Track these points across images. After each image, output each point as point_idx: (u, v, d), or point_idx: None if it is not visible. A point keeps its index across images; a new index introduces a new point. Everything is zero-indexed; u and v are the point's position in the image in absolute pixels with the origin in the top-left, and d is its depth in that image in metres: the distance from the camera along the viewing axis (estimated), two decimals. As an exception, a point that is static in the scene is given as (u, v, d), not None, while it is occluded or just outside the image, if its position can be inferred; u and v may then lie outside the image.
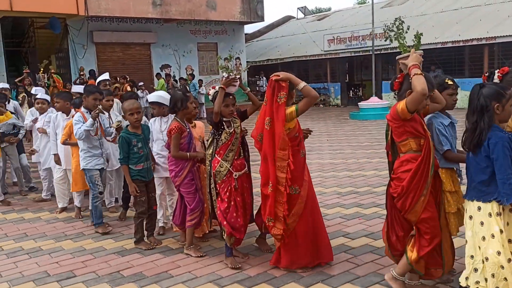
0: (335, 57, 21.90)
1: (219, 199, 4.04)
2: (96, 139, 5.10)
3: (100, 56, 18.14)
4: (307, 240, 3.79)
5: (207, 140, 4.23)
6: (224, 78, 3.97)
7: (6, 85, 8.52)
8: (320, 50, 22.36)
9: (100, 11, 16.48)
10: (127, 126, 4.52)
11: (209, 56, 21.42)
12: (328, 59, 22.35)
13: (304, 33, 25.61)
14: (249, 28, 29.26)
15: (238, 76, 4.08)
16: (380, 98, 17.97)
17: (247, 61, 23.54)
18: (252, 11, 20.60)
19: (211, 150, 4.10)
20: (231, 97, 4.03)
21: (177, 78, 19.22)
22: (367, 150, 9.52)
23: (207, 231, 4.73)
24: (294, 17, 32.37)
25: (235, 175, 4.03)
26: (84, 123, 4.96)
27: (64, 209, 5.95)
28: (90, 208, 5.24)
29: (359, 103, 16.66)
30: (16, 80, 14.96)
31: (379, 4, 27.12)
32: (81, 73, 15.43)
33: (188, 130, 4.33)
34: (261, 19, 21.24)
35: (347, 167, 8.00)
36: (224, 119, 4.00)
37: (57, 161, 5.83)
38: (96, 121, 4.99)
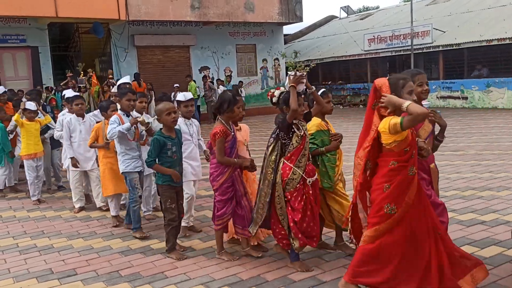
0: (375, 56, 21.44)
1: (289, 209, 3.78)
2: (134, 142, 5.06)
3: (141, 59, 18.65)
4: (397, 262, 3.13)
5: (269, 146, 3.91)
6: (292, 76, 3.74)
7: (4, 89, 8.57)
8: (360, 50, 21.97)
9: (141, 15, 16.95)
10: (161, 129, 4.37)
11: (248, 57, 21.54)
12: (368, 58, 21.91)
13: (346, 33, 25.25)
14: (291, 29, 29.21)
15: (305, 74, 3.91)
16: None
17: (285, 62, 23.48)
18: (290, 12, 20.52)
19: (274, 156, 3.84)
20: (302, 96, 3.84)
21: (215, 79, 19.48)
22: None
23: (262, 238, 4.51)
24: (337, 17, 31.97)
25: (309, 182, 3.80)
26: (120, 124, 4.89)
27: (82, 209, 6.19)
28: (127, 210, 5.24)
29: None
30: (61, 84, 15.70)
31: (424, 1, 26.31)
32: (110, 76, 15.89)
33: (232, 133, 4.13)
34: (300, 19, 21.11)
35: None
36: (294, 120, 3.76)
37: (74, 164, 6.04)
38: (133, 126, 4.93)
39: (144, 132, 5.08)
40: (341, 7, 32.09)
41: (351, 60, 22.65)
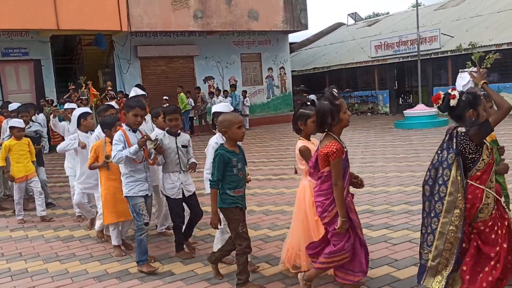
0: (382, 63, 21.05)
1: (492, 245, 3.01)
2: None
3: (144, 70, 18.54)
4: None
5: (450, 163, 3.05)
6: (475, 73, 3.25)
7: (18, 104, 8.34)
8: (367, 57, 21.62)
9: (143, 26, 16.84)
10: (222, 144, 3.79)
11: (253, 66, 21.31)
12: (375, 65, 21.54)
13: (353, 40, 24.94)
14: (298, 37, 29.01)
15: (486, 70, 3.51)
16: (431, 105, 16.96)
17: (292, 71, 23.21)
18: (295, 20, 20.29)
19: (459, 177, 3.00)
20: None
21: (220, 89, 19.27)
22: (400, 163, 8.89)
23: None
24: (344, 24, 31.67)
25: (503, 202, 3.12)
26: (125, 143, 4.31)
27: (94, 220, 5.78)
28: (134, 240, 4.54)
29: (404, 111, 15.80)
30: (64, 97, 15.60)
31: (432, 6, 25.92)
32: (109, 88, 15.74)
33: (345, 149, 3.37)
34: (305, 27, 20.85)
35: (372, 182, 7.45)
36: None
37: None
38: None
39: (152, 150, 4.40)
40: (348, 14, 31.82)
41: (358, 68, 22.31)
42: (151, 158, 4.46)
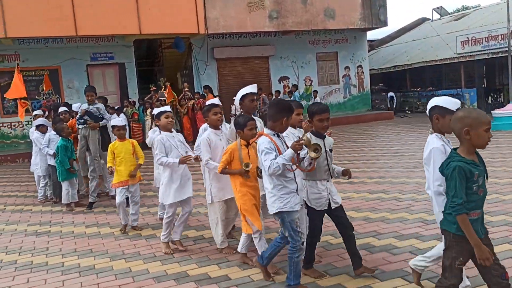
0: (469, 60, 19.69)
1: None
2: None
3: (220, 71, 18.91)
4: None
5: None
6: None
7: (64, 108, 8.79)
8: (452, 53, 20.34)
9: (219, 28, 17.18)
10: (458, 154, 2.85)
11: (329, 65, 20.93)
12: (462, 62, 20.21)
13: (437, 36, 23.62)
14: (378, 34, 28.01)
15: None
16: (523, 105, 15.57)
17: (371, 69, 22.48)
18: (374, 17, 19.61)
19: None
20: None
21: (295, 89, 19.16)
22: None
23: None
24: (429, 19, 30.10)
25: None
26: (276, 150, 3.71)
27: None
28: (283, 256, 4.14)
29: (492, 111, 14.63)
30: (146, 98, 16.37)
31: (528, -4, 23.76)
32: (186, 90, 16.10)
33: None
34: (384, 24, 20.09)
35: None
36: None
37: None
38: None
39: (311, 155, 3.70)
40: (433, 9, 30.25)
41: (442, 65, 21.07)
42: (306, 164, 3.84)
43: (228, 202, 4.88)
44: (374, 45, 28.62)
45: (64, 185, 7.49)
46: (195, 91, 17.57)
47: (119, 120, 6.36)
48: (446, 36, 22.52)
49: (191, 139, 14.21)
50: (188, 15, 16.31)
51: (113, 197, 7.19)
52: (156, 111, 5.41)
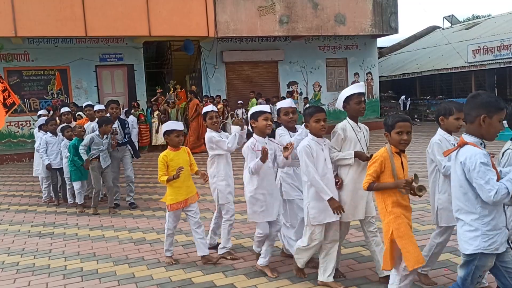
0: (480, 69, 19.48)
1: None
2: None
3: (229, 75, 18.82)
4: None
5: None
6: None
7: (67, 109, 8.81)
8: (463, 62, 20.14)
9: (229, 32, 17.09)
10: None
11: (338, 71, 20.79)
12: (472, 71, 20.00)
13: (448, 44, 23.41)
14: (388, 41, 27.84)
15: None
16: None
17: (380, 76, 22.32)
18: (384, 24, 19.46)
19: None
20: None
21: (304, 95, 19.04)
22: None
23: None
24: (440, 27, 29.90)
25: None
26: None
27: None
28: None
29: (504, 121, 14.38)
30: (152, 100, 16.31)
31: (541, 6, 23.54)
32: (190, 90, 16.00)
33: None
34: (395, 31, 19.93)
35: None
36: None
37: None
38: None
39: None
40: (444, 17, 29.98)
41: (454, 73, 20.85)
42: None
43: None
44: (383, 52, 28.45)
45: (76, 185, 7.45)
46: (203, 94, 17.48)
47: (176, 123, 4.90)
48: (457, 44, 22.31)
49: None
50: (198, 18, 16.24)
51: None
52: (253, 110, 4.42)
